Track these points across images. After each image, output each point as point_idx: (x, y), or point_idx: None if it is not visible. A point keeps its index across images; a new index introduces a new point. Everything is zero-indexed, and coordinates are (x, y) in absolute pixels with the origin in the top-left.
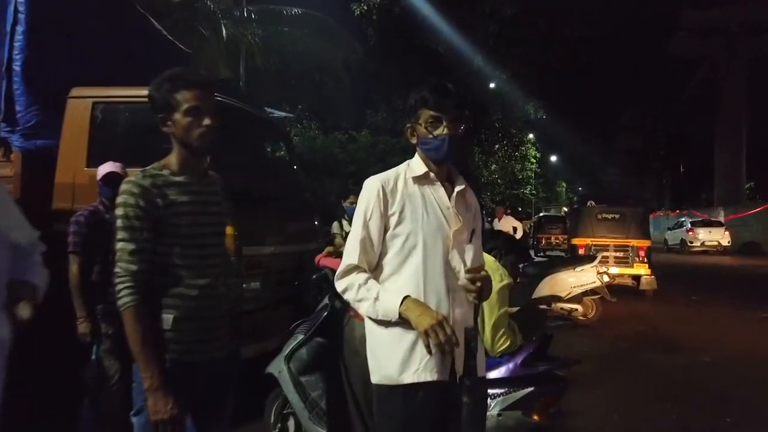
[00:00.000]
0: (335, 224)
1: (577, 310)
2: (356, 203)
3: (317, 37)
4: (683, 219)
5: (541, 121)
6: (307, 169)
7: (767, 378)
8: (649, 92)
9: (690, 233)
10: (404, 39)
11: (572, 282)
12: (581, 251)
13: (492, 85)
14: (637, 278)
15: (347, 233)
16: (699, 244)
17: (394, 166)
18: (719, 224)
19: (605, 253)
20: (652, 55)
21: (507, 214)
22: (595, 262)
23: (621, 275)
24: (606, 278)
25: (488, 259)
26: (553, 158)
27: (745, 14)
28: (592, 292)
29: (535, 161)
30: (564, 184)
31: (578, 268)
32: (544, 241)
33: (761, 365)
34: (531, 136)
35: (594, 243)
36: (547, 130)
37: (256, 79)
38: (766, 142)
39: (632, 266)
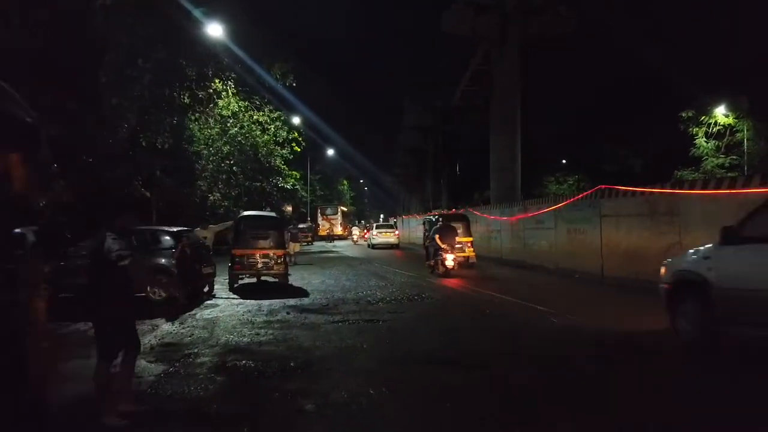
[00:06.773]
0: None
1: None
2: None
3: None
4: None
5: (321, 112)
6: None
7: None
8: (427, 87)
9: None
10: None
11: None
12: None
13: None
14: None
15: None
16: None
17: None
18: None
19: None
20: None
21: None
22: None
23: None
24: None
25: None
26: (330, 152)
27: None
28: None
29: (298, 148)
30: (346, 182)
31: None
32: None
33: None
34: (280, 113)
35: None
36: (328, 123)
37: None
38: (537, 136)
39: None
